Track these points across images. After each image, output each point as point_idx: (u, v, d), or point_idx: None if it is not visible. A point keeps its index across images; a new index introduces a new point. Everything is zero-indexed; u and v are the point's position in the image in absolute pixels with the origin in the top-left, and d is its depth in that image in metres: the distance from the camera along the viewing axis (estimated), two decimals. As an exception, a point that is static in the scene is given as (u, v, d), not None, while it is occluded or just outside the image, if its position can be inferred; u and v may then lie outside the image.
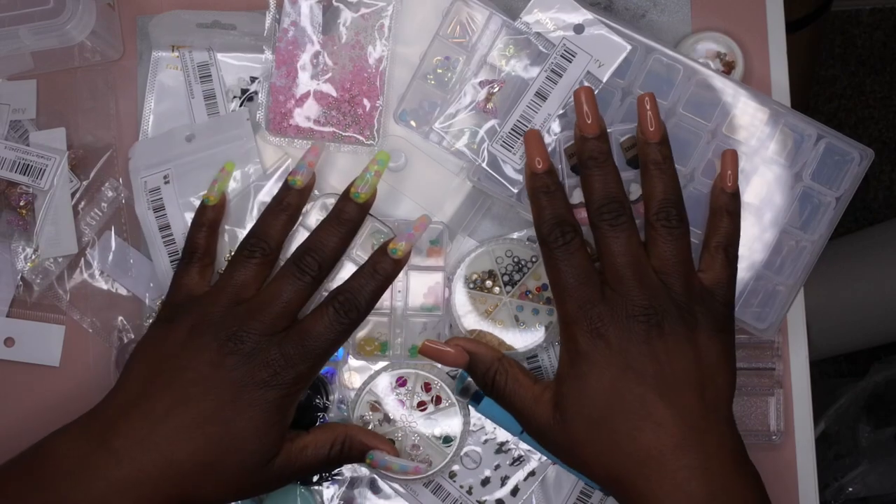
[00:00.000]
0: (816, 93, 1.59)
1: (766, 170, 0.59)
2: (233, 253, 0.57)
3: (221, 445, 0.51)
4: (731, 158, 0.56)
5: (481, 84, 0.60)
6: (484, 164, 0.59)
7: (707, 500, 0.48)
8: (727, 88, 0.59)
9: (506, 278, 0.61)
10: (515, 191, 0.59)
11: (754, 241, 0.59)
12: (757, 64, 0.64)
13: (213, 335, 0.52)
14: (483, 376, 0.55)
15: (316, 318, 0.53)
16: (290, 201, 0.56)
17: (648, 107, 0.55)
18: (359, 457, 0.56)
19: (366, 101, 0.61)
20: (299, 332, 0.53)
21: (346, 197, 0.56)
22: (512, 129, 0.59)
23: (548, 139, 0.58)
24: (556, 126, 0.59)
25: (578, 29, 0.59)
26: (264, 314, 0.53)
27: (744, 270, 0.59)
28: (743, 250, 0.58)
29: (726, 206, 0.55)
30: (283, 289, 0.53)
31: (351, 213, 0.55)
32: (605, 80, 0.58)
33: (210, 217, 0.58)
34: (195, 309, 0.54)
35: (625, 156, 0.58)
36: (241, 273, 0.54)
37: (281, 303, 0.53)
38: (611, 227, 0.53)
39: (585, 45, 0.59)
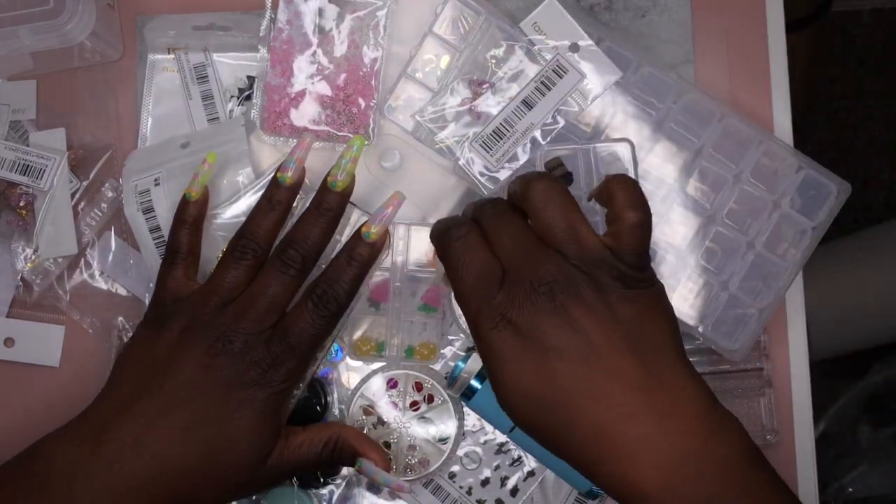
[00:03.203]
0: (816, 93, 1.59)
1: (744, 195, 0.60)
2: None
3: (214, 447, 0.50)
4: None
5: (469, 83, 0.60)
6: (461, 163, 0.59)
7: (672, 468, 0.42)
8: (716, 111, 0.60)
9: (506, 277, 0.61)
10: (486, 193, 0.60)
11: (728, 264, 0.60)
12: (757, 65, 0.64)
13: (202, 337, 0.52)
14: None
15: (296, 313, 0.53)
16: (279, 198, 0.55)
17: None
18: (349, 460, 0.55)
19: (361, 101, 0.61)
20: (283, 329, 0.52)
21: (324, 187, 0.55)
22: (493, 131, 0.59)
23: (525, 156, 0.59)
24: (538, 135, 0.59)
25: (574, 48, 0.59)
26: (251, 312, 0.52)
27: (717, 293, 0.60)
28: (721, 276, 0.60)
29: (615, 181, 0.49)
30: (268, 285, 0.53)
31: (330, 202, 0.54)
32: (590, 101, 0.59)
33: (192, 214, 0.56)
34: (185, 311, 0.53)
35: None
36: (231, 275, 0.54)
37: (267, 299, 0.52)
38: (492, 222, 0.48)
39: (578, 65, 0.59)
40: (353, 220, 0.59)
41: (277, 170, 0.55)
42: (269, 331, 0.52)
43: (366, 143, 0.56)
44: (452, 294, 0.60)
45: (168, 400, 0.51)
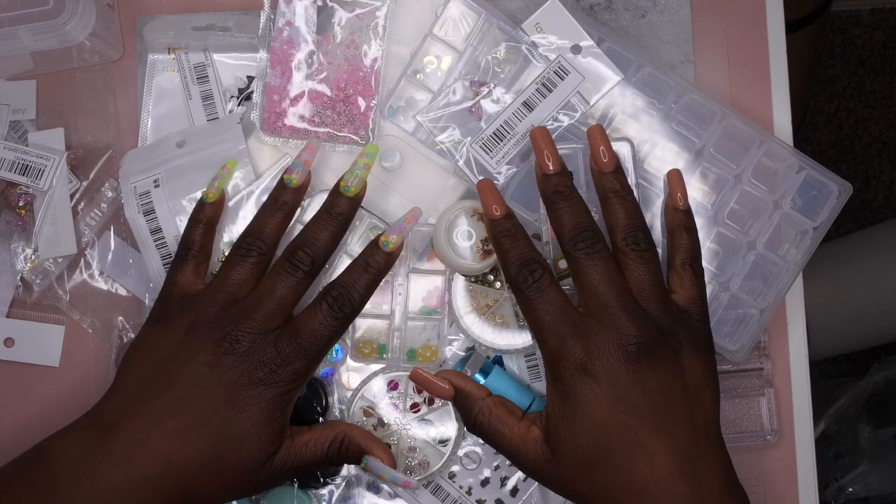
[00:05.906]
0: (816, 93, 1.59)
1: (744, 195, 0.60)
2: (227, 253, 0.57)
3: (220, 445, 0.51)
4: (676, 178, 0.57)
5: (470, 84, 0.60)
6: (461, 164, 0.59)
7: None
8: (717, 111, 0.60)
9: (507, 275, 0.61)
10: None
11: (729, 264, 0.60)
12: (757, 65, 0.64)
13: (208, 335, 0.52)
14: (467, 414, 0.56)
15: (310, 314, 0.53)
16: (285, 199, 0.56)
17: (599, 138, 0.55)
18: (355, 459, 0.56)
19: (361, 101, 0.61)
20: (294, 329, 0.53)
21: (336, 191, 0.56)
22: (494, 133, 0.59)
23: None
24: None
25: (576, 49, 0.59)
26: (258, 312, 0.53)
27: (718, 293, 0.60)
28: (722, 276, 0.60)
29: (682, 224, 0.56)
30: (277, 285, 0.53)
31: (342, 207, 0.55)
32: (592, 104, 0.59)
33: (208, 214, 0.57)
34: (191, 309, 0.54)
35: None
36: (236, 272, 0.54)
37: (275, 300, 0.53)
38: (587, 255, 0.52)
39: (580, 66, 0.59)
40: (365, 225, 0.60)
41: (284, 172, 0.56)
42: (276, 331, 0.53)
43: (378, 150, 0.57)
44: (453, 293, 0.60)
45: (175, 398, 0.51)
